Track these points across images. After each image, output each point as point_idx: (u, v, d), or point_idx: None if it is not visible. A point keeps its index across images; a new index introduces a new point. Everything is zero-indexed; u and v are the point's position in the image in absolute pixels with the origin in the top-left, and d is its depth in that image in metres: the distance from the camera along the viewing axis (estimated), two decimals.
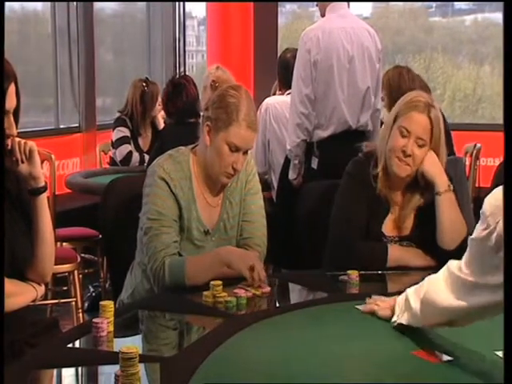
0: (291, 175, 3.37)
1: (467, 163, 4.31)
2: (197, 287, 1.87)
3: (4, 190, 1.68)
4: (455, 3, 7.02)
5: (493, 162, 5.30)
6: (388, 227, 2.17)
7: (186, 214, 2.01)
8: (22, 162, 1.70)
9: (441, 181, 2.10)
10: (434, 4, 7.09)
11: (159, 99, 4.34)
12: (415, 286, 1.55)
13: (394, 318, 1.58)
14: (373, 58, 3.32)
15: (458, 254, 2.07)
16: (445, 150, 2.15)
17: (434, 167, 2.11)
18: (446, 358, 1.42)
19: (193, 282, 1.90)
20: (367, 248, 2.11)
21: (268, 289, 1.86)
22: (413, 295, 1.53)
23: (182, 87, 3.71)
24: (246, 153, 2.01)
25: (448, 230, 2.09)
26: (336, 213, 2.19)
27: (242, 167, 2.02)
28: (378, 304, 1.68)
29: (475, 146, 4.38)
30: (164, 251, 1.94)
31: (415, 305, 1.50)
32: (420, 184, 2.14)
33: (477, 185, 4.36)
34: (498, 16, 6.94)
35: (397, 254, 2.11)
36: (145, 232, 1.98)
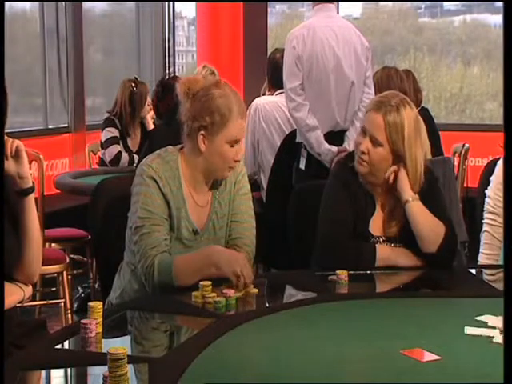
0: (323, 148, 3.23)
1: (455, 163, 4.33)
2: (186, 287, 1.87)
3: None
4: (444, 4, 7.04)
5: (481, 162, 5.33)
6: (375, 227, 2.17)
7: (176, 213, 2.01)
8: (7, 158, 1.69)
9: (406, 193, 2.09)
10: (423, 5, 7.11)
11: (148, 99, 4.34)
12: None
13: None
14: (359, 56, 3.32)
15: (441, 254, 2.10)
16: (418, 154, 2.09)
17: (399, 182, 2.10)
18: (434, 357, 1.43)
19: (181, 283, 1.90)
20: (355, 248, 2.11)
21: (255, 290, 1.86)
22: None
23: (171, 88, 3.71)
24: (239, 142, 2.03)
25: (426, 236, 2.09)
26: (323, 213, 2.19)
27: (241, 156, 2.04)
28: None
29: (463, 146, 4.40)
30: (155, 249, 1.94)
31: None
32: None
33: (465, 185, 4.38)
34: (486, 17, 6.97)
35: (385, 253, 2.12)
36: (135, 231, 1.97)
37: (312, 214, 2.27)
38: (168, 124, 3.66)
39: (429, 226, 2.09)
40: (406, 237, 2.15)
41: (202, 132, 1.99)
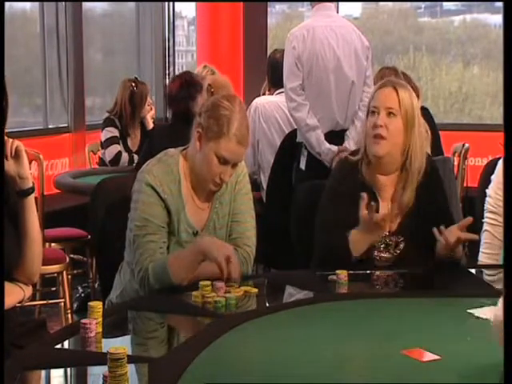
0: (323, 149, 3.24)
1: (455, 163, 4.33)
2: (186, 287, 1.87)
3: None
4: (444, 4, 7.04)
5: (481, 161, 5.33)
6: None
7: (176, 217, 2.01)
8: (7, 159, 1.69)
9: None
10: (423, 5, 7.11)
11: (149, 99, 4.34)
12: None
13: None
14: (359, 55, 3.32)
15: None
16: (422, 131, 2.16)
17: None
18: (434, 357, 1.43)
19: (178, 279, 1.89)
20: (325, 241, 2.11)
21: (255, 290, 1.85)
22: None
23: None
24: (235, 165, 2.01)
25: None
26: (321, 214, 2.18)
27: (229, 179, 2.02)
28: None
29: (463, 145, 4.40)
30: (149, 258, 1.94)
31: None
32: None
33: (465, 184, 4.38)
34: (486, 17, 6.97)
35: (356, 236, 2.09)
36: (133, 239, 1.98)
37: (312, 214, 2.27)
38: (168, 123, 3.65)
39: None
40: (405, 230, 2.14)
41: (199, 130, 2.00)
